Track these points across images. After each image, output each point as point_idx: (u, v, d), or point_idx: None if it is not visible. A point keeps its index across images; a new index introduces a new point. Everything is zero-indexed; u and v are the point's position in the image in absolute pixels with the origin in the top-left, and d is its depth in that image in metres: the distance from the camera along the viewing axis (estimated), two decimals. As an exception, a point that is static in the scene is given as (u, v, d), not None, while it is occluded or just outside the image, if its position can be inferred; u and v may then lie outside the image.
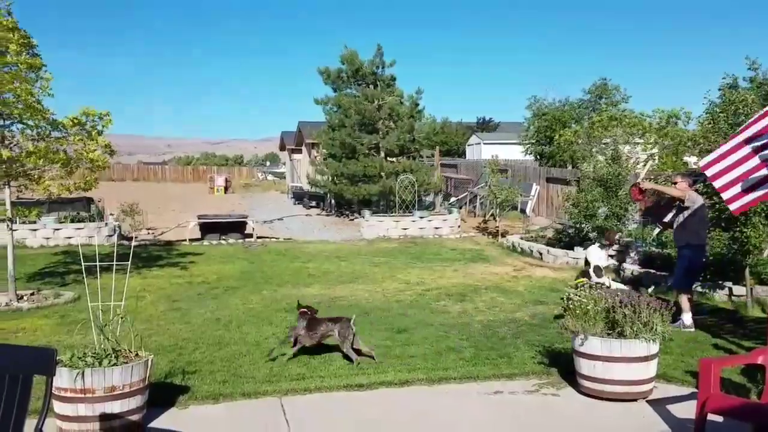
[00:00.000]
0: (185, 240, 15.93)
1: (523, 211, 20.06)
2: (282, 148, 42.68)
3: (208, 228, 16.60)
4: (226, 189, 40.92)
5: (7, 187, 8.99)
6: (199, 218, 17.05)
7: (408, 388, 5.62)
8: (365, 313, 8.35)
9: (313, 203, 26.58)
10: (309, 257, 13.46)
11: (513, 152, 32.24)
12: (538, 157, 28.69)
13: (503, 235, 16.20)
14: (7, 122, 8.81)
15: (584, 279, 7.62)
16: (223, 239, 16.29)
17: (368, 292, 9.79)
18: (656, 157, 15.83)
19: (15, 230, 9.58)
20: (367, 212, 18.40)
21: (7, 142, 8.79)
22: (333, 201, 24.29)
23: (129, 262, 5.56)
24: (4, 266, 9.30)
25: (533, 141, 29.65)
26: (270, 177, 52.76)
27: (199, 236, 16.46)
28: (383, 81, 21.07)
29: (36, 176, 9.10)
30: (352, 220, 21.21)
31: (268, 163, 77.67)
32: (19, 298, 9.01)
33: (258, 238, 16.45)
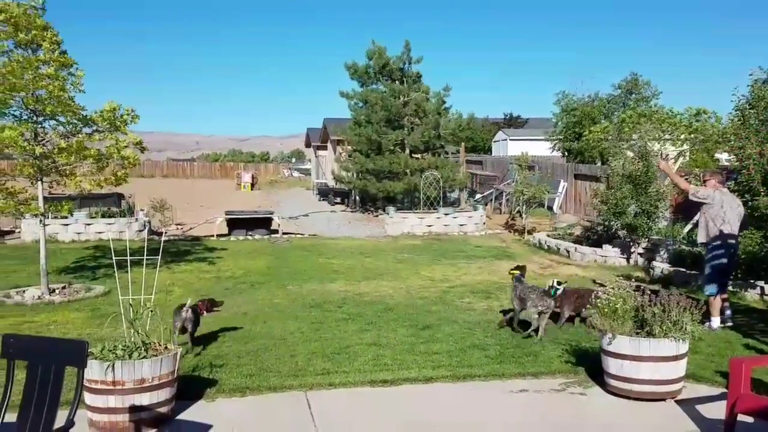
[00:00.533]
0: (213, 235, 16.13)
1: (550, 208, 19.86)
2: (307, 144, 42.90)
3: (235, 224, 16.79)
4: (252, 185, 41.29)
5: (39, 182, 9.20)
6: (226, 214, 17.24)
7: (432, 384, 5.62)
8: (389, 309, 8.36)
9: (338, 199, 26.68)
10: (334, 253, 13.51)
11: (540, 148, 31.94)
12: (566, 153, 28.37)
13: (530, 233, 16.06)
14: (40, 119, 9.01)
15: (517, 271, 7.50)
16: (250, 235, 16.46)
17: (392, 289, 9.80)
18: (686, 154, 15.54)
19: (47, 225, 9.81)
20: (391, 209, 18.41)
21: (39, 138, 8.99)
22: (358, 197, 24.34)
23: (159, 257, 5.66)
24: (37, 260, 9.52)
25: (561, 137, 29.33)
26: (295, 173, 53.16)
27: (227, 232, 16.65)
28: (410, 77, 21.04)
29: (68, 172, 9.30)
30: (377, 216, 21.24)
31: (293, 160, 78.26)
32: (51, 291, 9.21)
33: (284, 234, 16.58)
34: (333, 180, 26.28)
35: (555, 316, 7.41)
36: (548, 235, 14.92)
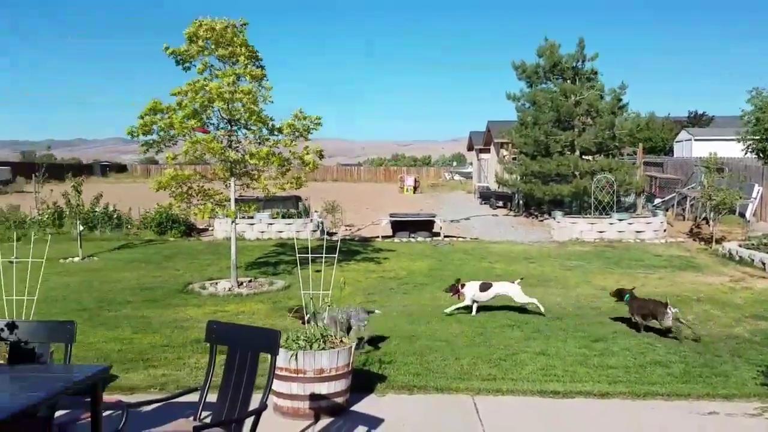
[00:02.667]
0: (378, 237, 16.71)
1: (742, 215, 17.80)
2: (470, 148, 42.82)
3: (399, 226, 17.25)
4: (415, 189, 42.16)
5: (232, 185, 10.21)
6: (390, 217, 17.78)
7: (608, 400, 5.29)
8: (557, 318, 8.04)
9: (500, 203, 26.26)
10: (496, 257, 13.31)
11: (730, 149, 28.70)
12: (760, 154, 25.25)
13: (718, 242, 14.51)
14: (234, 128, 10.01)
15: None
16: (413, 237, 16.80)
17: (560, 297, 9.40)
18: None
19: (237, 224, 10.85)
20: (558, 213, 17.70)
21: (233, 145, 9.99)
22: (521, 201, 23.77)
23: (336, 256, 5.98)
24: (227, 256, 10.55)
25: (757, 138, 26.17)
26: (456, 177, 53.29)
27: (391, 234, 17.16)
28: (583, 75, 20.13)
29: (256, 176, 10.22)
30: (542, 221, 20.56)
31: (454, 164, 78.55)
32: (240, 284, 10.15)
33: (445, 236, 16.68)
34: (495, 183, 25.94)
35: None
36: (740, 245, 13.35)
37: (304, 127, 10.07)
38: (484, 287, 8.18)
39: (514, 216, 23.24)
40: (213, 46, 9.48)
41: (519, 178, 21.54)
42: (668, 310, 6.94)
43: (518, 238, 16.86)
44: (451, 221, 20.68)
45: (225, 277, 10.62)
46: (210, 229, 17.82)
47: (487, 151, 35.70)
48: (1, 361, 3.74)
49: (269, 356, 3.33)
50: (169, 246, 15.24)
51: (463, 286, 8.23)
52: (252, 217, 16.41)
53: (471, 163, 50.63)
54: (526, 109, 21.26)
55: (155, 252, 14.16)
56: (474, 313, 8.22)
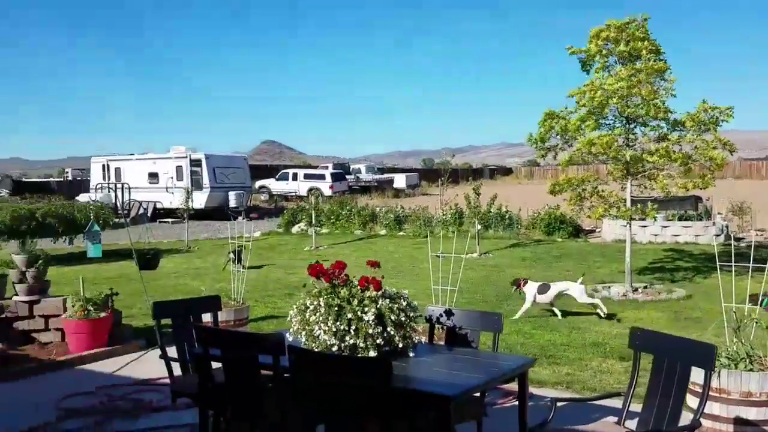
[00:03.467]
0: (804, 245, 13.91)
1: None
2: None
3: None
4: None
5: (627, 185, 9.84)
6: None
7: None
8: None
9: None
10: None
11: None
12: None
13: None
14: (631, 125, 9.63)
15: None
16: None
17: None
18: None
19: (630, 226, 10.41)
20: None
21: (630, 143, 9.63)
22: None
23: (750, 265, 5.23)
24: (616, 258, 10.19)
25: None
26: None
27: (824, 240, 14.09)
28: None
29: (654, 175, 9.63)
30: None
31: None
32: (634, 289, 9.69)
33: None
34: None
35: None
36: None
37: (711, 119, 9.06)
38: (543, 289, 8.14)
39: None
40: (613, 45, 9.28)
41: None
42: None
43: None
44: None
45: (617, 280, 10.31)
46: (597, 230, 17.55)
47: None
48: (441, 342, 4.39)
49: (702, 371, 3.07)
50: (557, 246, 15.57)
51: (525, 283, 8.23)
52: (643, 219, 15.53)
53: None
54: None
55: (544, 252, 14.64)
56: (560, 316, 8.08)
